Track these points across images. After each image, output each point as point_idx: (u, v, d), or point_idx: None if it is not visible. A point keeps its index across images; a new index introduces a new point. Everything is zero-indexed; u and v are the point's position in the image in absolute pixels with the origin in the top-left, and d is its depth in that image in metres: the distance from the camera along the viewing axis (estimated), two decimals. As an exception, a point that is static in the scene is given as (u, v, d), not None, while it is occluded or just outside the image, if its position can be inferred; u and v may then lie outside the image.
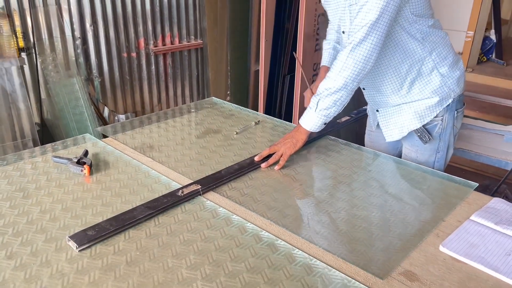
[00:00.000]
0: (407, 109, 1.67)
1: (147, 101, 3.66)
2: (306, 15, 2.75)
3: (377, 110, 1.78)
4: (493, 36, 4.47)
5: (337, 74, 1.48)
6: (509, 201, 2.34)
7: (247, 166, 1.54)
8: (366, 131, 2.00)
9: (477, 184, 1.43)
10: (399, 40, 1.55)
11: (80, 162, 1.47)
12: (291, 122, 3.07)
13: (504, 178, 2.00)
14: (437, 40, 1.59)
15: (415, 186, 1.46)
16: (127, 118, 3.50)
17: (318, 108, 1.54)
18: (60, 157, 1.51)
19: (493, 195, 2.18)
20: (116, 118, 3.47)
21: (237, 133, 1.84)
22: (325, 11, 1.77)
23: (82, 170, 1.45)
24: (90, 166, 1.47)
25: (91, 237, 1.12)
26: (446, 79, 1.62)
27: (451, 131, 1.70)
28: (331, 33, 1.86)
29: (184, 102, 3.93)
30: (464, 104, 1.74)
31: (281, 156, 1.56)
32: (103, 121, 3.30)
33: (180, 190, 1.34)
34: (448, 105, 1.64)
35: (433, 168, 1.73)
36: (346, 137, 2.79)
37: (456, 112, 1.68)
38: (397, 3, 1.42)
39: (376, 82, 1.68)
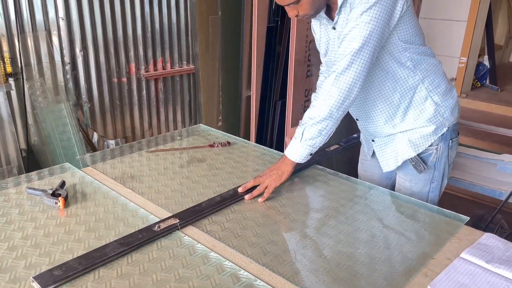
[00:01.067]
0: (402, 137, 1.63)
1: (138, 126, 3.62)
2: (297, 41, 2.74)
3: (373, 140, 1.73)
4: (486, 62, 4.49)
5: (321, 103, 1.44)
6: (505, 231, 2.28)
7: (230, 198, 1.48)
8: (360, 160, 1.95)
9: (468, 218, 1.38)
10: (389, 68, 1.51)
11: (55, 194, 1.41)
12: (283, 148, 3.04)
13: (498, 209, 1.94)
14: (429, 68, 1.56)
15: (404, 220, 1.40)
16: (116, 143, 3.45)
17: (304, 138, 1.49)
18: (34, 189, 1.45)
19: (487, 225, 2.12)
20: (105, 143, 3.42)
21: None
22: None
23: (56, 203, 1.38)
24: (65, 198, 1.41)
25: (57, 277, 1.05)
26: (440, 108, 1.58)
27: (446, 160, 1.66)
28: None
29: (175, 127, 3.89)
30: (458, 133, 1.69)
31: (266, 188, 1.51)
32: (91, 147, 3.25)
33: (157, 225, 1.28)
34: (442, 134, 1.60)
35: (427, 198, 1.68)
36: (338, 164, 2.74)
37: (451, 141, 1.64)
38: (381, 31, 1.39)
39: (368, 112, 1.64)
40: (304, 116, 1.50)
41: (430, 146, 1.60)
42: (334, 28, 1.54)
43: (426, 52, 1.56)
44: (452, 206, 3.26)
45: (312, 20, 1.66)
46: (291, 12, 1.48)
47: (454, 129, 1.64)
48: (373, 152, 1.75)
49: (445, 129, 1.59)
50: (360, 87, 1.42)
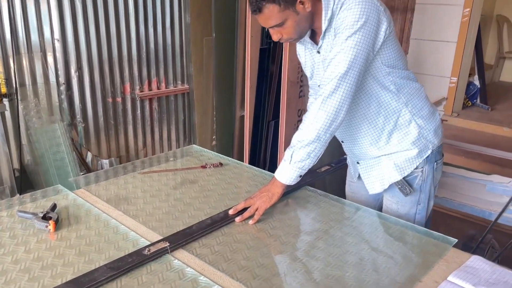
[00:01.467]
0: (387, 161, 1.65)
1: (132, 146, 3.63)
2: (290, 62, 2.78)
3: (358, 163, 1.75)
4: (477, 82, 4.55)
5: (309, 126, 1.46)
6: (496, 251, 2.29)
7: (220, 220, 1.48)
8: (347, 182, 1.97)
9: (456, 240, 1.39)
10: (373, 92, 1.55)
11: (45, 217, 1.42)
12: (276, 168, 3.05)
13: (487, 230, 1.96)
14: (412, 92, 1.59)
15: (392, 243, 1.41)
16: (110, 163, 3.46)
17: (293, 161, 1.51)
18: (25, 212, 1.46)
19: (478, 246, 2.13)
20: (99, 163, 3.42)
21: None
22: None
23: (47, 226, 1.39)
24: (56, 221, 1.41)
25: (45, 303, 1.05)
26: (423, 131, 1.61)
27: (431, 182, 1.68)
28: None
29: (170, 146, 3.90)
30: (443, 155, 1.72)
31: (256, 210, 1.52)
32: (85, 167, 3.26)
33: (147, 248, 1.28)
34: (427, 157, 1.62)
35: (414, 220, 1.69)
36: (331, 184, 2.75)
37: (435, 163, 1.66)
38: (365, 55, 1.42)
39: (353, 134, 1.67)
40: (293, 139, 1.52)
41: (416, 169, 1.62)
42: (318, 52, 1.58)
43: (408, 76, 1.60)
44: (445, 226, 3.27)
45: (297, 44, 1.70)
46: (275, 35, 1.51)
47: (438, 151, 1.67)
48: (359, 174, 1.78)
49: (429, 152, 1.62)
50: (346, 110, 1.45)
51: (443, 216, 3.18)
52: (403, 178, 1.63)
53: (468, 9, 3.89)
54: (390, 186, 1.67)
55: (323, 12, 1.47)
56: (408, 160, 1.62)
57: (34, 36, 2.91)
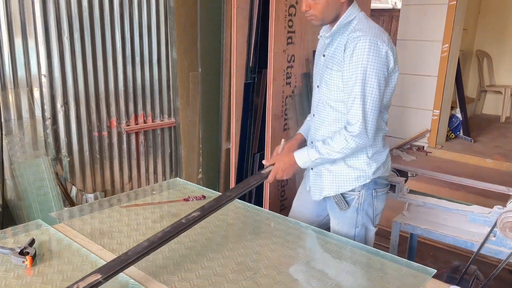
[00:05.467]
0: (328, 175, 1.78)
1: (118, 180, 3.61)
2: (274, 96, 2.84)
3: (312, 169, 1.87)
4: (459, 114, 4.66)
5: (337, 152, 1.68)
6: (480, 282, 2.29)
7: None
8: (297, 194, 2.08)
9: (435, 271, 1.40)
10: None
11: (23, 253, 1.40)
12: (262, 201, 3.05)
13: (470, 261, 1.96)
14: (379, 131, 1.74)
15: (372, 274, 1.41)
16: (95, 197, 3.43)
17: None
18: (2, 247, 1.44)
19: (462, 277, 2.13)
20: (84, 197, 3.39)
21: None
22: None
23: (23, 262, 1.37)
24: (33, 256, 1.40)
25: None
26: (370, 161, 1.73)
27: (371, 209, 1.78)
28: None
29: (156, 179, 3.89)
30: (387, 185, 1.84)
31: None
32: (69, 201, 3.22)
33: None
34: (365, 184, 1.74)
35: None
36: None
37: (374, 191, 1.77)
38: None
39: (316, 137, 1.83)
40: (321, 149, 1.70)
41: (352, 191, 1.75)
42: (324, 55, 1.74)
43: (385, 119, 1.76)
44: (431, 257, 3.27)
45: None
46: (305, 4, 1.67)
47: (380, 182, 1.78)
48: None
49: (368, 180, 1.73)
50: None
51: (426, 246, 3.19)
52: (341, 194, 1.76)
53: (447, 45, 4.04)
54: (329, 201, 1.80)
55: (344, 15, 1.68)
56: (346, 180, 1.74)
57: (21, 72, 2.94)
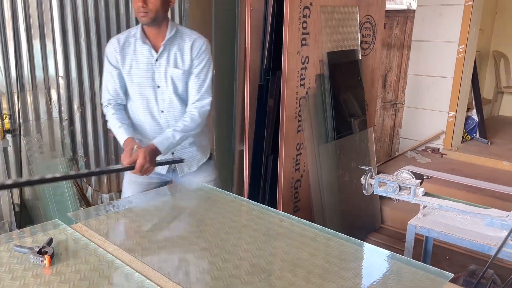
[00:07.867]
0: None
1: (133, 180, 3.64)
2: (287, 98, 2.84)
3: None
4: (475, 116, 4.61)
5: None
6: (497, 286, 2.25)
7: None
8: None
9: (452, 275, 1.38)
10: None
11: (41, 252, 1.42)
12: (276, 203, 3.05)
13: (487, 265, 1.93)
14: None
15: (388, 278, 1.40)
16: (111, 197, 3.47)
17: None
18: (21, 246, 1.47)
19: (479, 281, 2.10)
20: (99, 197, 3.43)
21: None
22: None
23: (42, 261, 1.39)
24: (52, 256, 1.42)
25: (36, 338, 1.04)
26: None
27: None
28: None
29: (170, 180, 3.91)
30: None
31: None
32: (85, 201, 3.27)
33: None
34: None
35: None
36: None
37: None
38: None
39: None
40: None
41: None
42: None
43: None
44: (447, 260, 3.23)
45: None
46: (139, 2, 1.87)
47: None
48: None
49: None
50: None
51: (443, 250, 3.15)
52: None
53: (463, 46, 3.99)
54: None
55: (169, 28, 2.01)
56: None
57: (39, 73, 2.99)
